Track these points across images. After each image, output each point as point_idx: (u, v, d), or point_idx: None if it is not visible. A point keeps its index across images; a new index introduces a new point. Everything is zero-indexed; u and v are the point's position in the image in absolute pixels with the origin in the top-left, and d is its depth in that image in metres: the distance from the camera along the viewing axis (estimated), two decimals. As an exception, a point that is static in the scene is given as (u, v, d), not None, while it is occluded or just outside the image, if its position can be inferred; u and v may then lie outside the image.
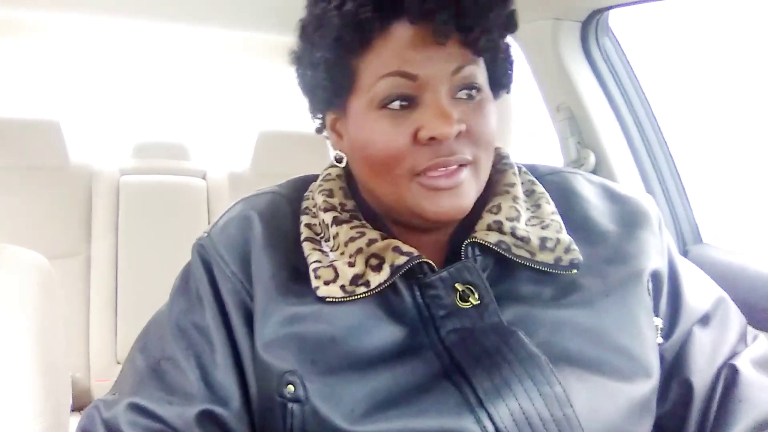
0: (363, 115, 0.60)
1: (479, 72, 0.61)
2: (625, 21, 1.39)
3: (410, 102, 0.58)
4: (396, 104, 0.58)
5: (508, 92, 0.69)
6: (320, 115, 0.69)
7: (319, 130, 0.71)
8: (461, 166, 0.59)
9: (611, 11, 1.31)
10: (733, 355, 0.69)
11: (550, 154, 1.52)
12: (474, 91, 0.60)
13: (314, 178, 0.74)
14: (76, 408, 1.72)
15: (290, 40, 0.67)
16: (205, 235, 0.69)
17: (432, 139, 0.57)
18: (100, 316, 1.78)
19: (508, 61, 0.66)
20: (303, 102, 0.70)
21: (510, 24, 0.62)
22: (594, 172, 1.42)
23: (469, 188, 0.60)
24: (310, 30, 0.62)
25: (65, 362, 0.85)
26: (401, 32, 0.58)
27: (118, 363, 1.77)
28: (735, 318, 0.72)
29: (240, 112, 3.38)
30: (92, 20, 1.65)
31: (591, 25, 1.34)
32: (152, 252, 1.86)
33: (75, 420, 1.83)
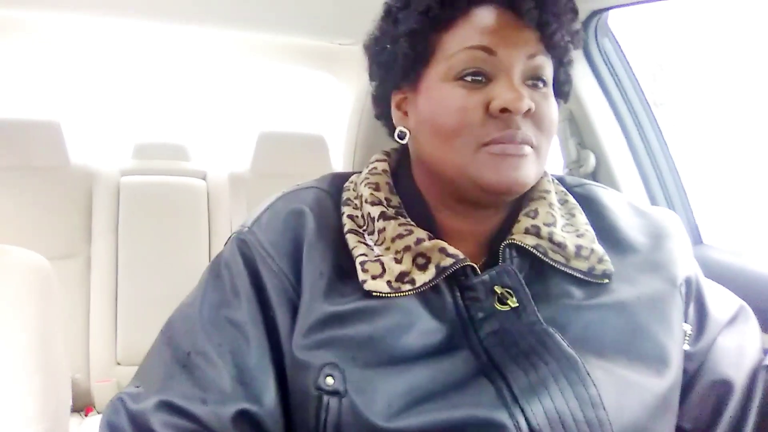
0: (437, 86, 0.64)
1: (548, 67, 0.64)
2: (624, 21, 1.39)
3: (484, 77, 0.62)
4: (470, 78, 0.62)
5: (565, 102, 0.72)
6: (382, 101, 0.72)
7: (377, 117, 0.75)
8: (525, 144, 0.62)
9: (610, 12, 1.31)
10: (762, 356, 0.71)
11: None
12: (540, 83, 0.64)
13: (348, 174, 0.75)
14: (76, 409, 1.72)
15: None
16: (246, 229, 0.67)
17: (503, 111, 0.60)
18: (100, 317, 1.78)
19: (570, 72, 0.70)
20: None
21: (578, 39, 0.67)
22: (594, 173, 1.42)
23: (530, 166, 0.63)
24: (395, 10, 0.67)
25: (65, 363, 0.85)
26: (485, 13, 0.63)
27: (119, 364, 1.77)
28: (755, 326, 0.75)
29: (240, 113, 3.39)
30: (92, 20, 1.65)
31: (590, 26, 1.34)
32: (152, 253, 1.86)
33: (75, 421, 1.82)
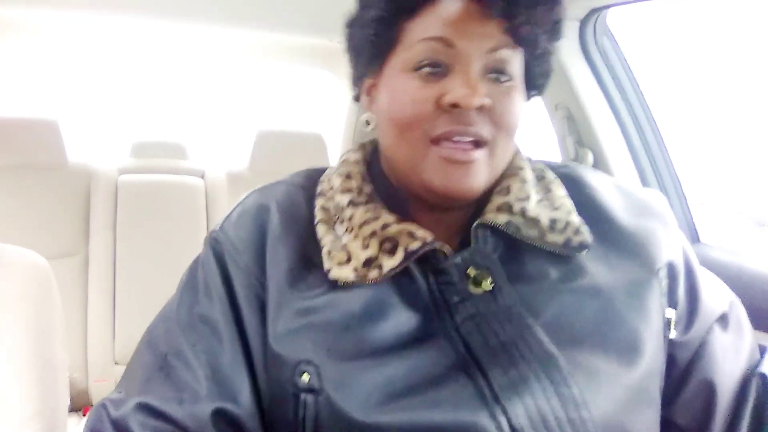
0: (396, 76, 0.63)
1: (514, 60, 0.62)
2: (623, 19, 1.39)
3: (442, 69, 0.60)
4: (426, 70, 0.61)
5: (540, 94, 0.70)
6: (357, 83, 0.72)
7: (356, 98, 0.74)
8: (476, 145, 0.61)
9: (609, 10, 1.31)
10: (756, 361, 0.70)
11: (548, 154, 1.52)
12: (504, 77, 0.61)
13: (325, 168, 0.74)
14: (74, 408, 1.72)
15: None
16: (218, 228, 0.68)
17: (454, 106, 0.59)
18: (98, 315, 1.78)
19: (545, 65, 0.68)
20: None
21: (555, 30, 0.65)
22: (592, 171, 1.42)
23: (481, 169, 0.61)
24: None
25: (63, 362, 0.85)
26: (449, 3, 0.61)
27: (116, 363, 1.77)
28: (747, 321, 0.73)
29: (239, 112, 3.38)
30: (90, 19, 1.65)
31: (589, 24, 1.34)
32: (150, 251, 1.86)
33: (73, 420, 1.82)
